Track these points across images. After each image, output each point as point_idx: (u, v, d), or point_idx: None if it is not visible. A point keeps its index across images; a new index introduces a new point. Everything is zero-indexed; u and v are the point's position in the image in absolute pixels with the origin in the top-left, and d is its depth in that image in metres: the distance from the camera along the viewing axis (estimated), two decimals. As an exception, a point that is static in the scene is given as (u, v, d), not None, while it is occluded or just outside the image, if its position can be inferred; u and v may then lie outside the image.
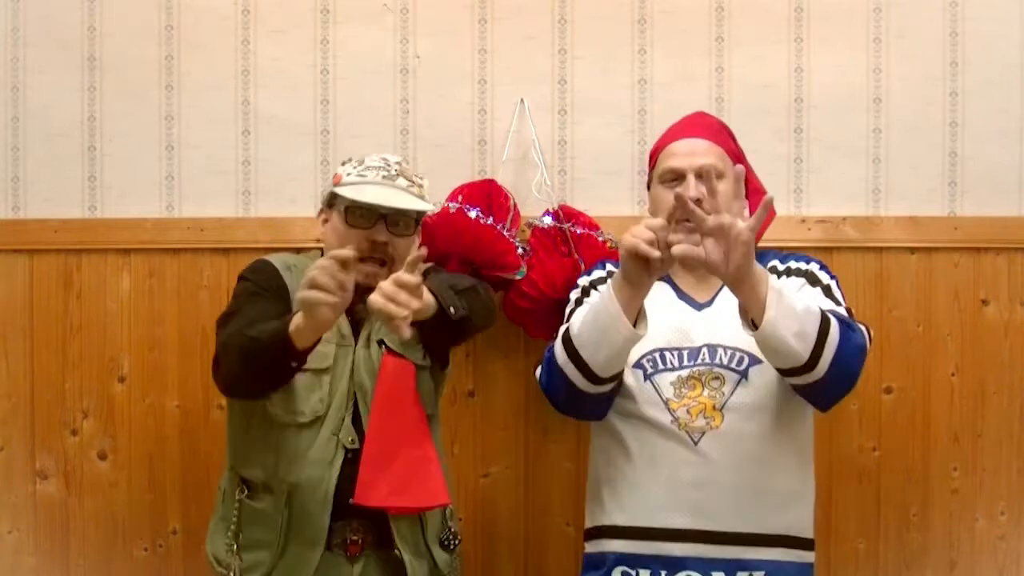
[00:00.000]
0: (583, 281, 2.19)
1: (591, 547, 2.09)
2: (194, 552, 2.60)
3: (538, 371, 2.10)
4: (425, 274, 1.96)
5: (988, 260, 2.60)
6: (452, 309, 1.92)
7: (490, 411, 2.61)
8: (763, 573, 1.96)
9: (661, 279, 2.11)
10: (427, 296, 1.85)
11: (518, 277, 2.45)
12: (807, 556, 2.04)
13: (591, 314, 1.94)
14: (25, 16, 2.62)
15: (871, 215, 2.61)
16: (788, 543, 2.00)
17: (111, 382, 2.60)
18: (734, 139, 2.14)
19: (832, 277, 2.09)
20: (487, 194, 2.47)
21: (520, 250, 2.46)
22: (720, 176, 2.01)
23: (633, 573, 2.00)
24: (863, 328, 1.97)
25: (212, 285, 2.58)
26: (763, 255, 2.11)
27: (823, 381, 1.86)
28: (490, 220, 2.42)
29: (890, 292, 2.58)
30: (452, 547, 2.11)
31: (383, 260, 2.02)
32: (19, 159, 2.63)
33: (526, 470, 2.62)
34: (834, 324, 1.85)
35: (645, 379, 2.03)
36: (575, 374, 1.95)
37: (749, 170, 2.11)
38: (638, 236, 1.81)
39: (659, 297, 2.08)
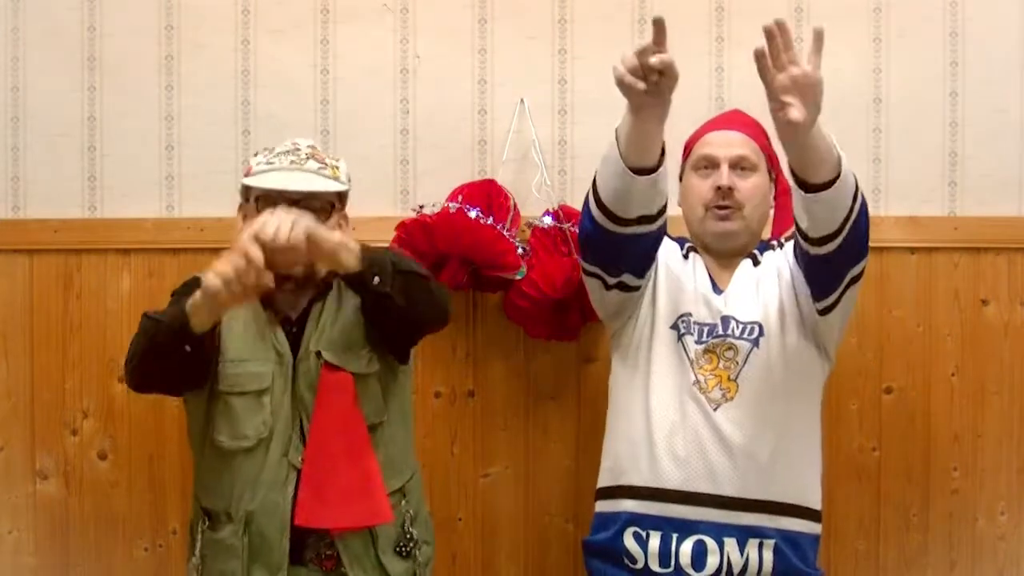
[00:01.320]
0: None
1: (602, 507, 2.10)
2: (194, 552, 2.61)
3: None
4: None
5: (988, 260, 2.60)
6: (377, 279, 1.84)
7: (490, 411, 2.61)
8: (774, 541, 1.98)
9: (697, 252, 2.16)
10: (352, 245, 1.81)
11: (518, 277, 2.44)
12: (816, 527, 2.06)
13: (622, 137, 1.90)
14: (25, 16, 2.62)
15: (871, 215, 2.59)
16: (800, 513, 2.02)
17: (111, 382, 2.60)
18: (768, 138, 2.16)
19: None
20: (487, 194, 2.47)
21: (520, 250, 2.46)
22: (753, 169, 2.10)
23: (644, 534, 2.02)
24: None
25: (212, 285, 2.58)
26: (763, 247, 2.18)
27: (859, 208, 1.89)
28: (490, 220, 2.42)
29: (890, 292, 2.58)
30: (408, 553, 2.04)
31: None
32: (19, 159, 2.63)
33: (526, 470, 2.62)
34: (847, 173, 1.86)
35: (678, 339, 2.07)
36: (598, 213, 1.97)
37: (780, 171, 2.15)
38: (623, 65, 1.74)
39: (693, 271, 2.14)
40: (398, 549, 2.03)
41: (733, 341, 2.04)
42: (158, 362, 1.90)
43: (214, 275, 1.75)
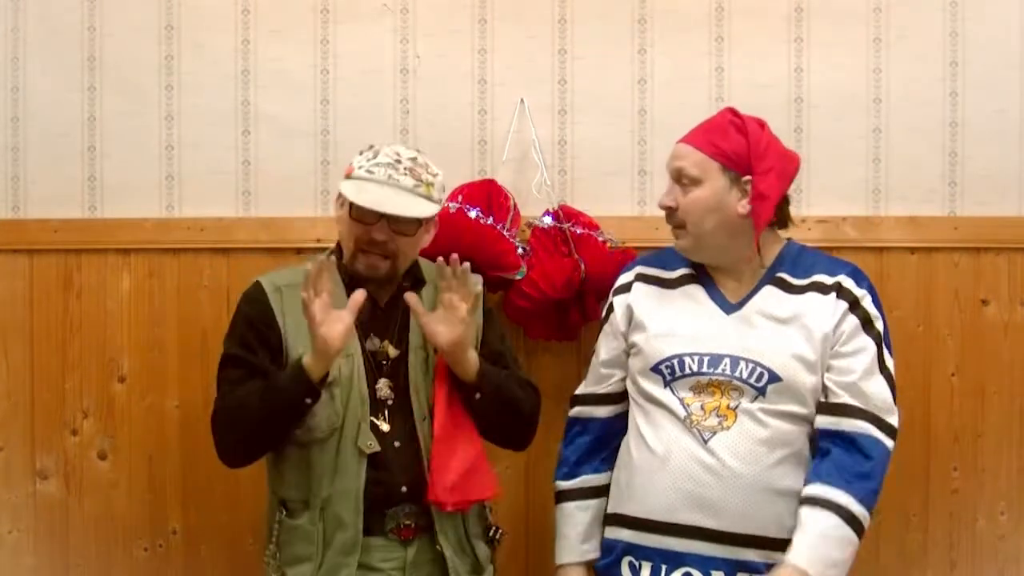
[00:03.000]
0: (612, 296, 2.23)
1: (608, 532, 2.13)
2: (194, 552, 2.61)
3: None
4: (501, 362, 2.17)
5: (988, 260, 2.60)
6: (478, 395, 2.05)
7: (490, 411, 2.61)
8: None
9: (696, 280, 2.12)
10: (473, 362, 2.04)
11: (518, 277, 2.45)
12: None
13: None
14: (25, 16, 2.62)
15: (871, 215, 2.61)
16: None
17: (111, 382, 2.60)
18: (747, 139, 2.05)
19: (881, 314, 2.10)
20: (487, 194, 2.47)
21: (520, 250, 2.46)
22: (693, 183, 2.04)
23: (637, 564, 2.04)
24: (889, 424, 2.05)
25: (212, 285, 2.58)
26: (808, 256, 2.14)
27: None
28: (490, 220, 2.42)
29: (890, 292, 2.57)
30: (495, 540, 2.17)
31: (384, 254, 2.06)
32: (19, 159, 2.62)
33: (526, 470, 2.62)
34: (862, 520, 1.98)
35: (665, 386, 2.06)
36: None
37: (759, 174, 2.03)
38: None
39: (687, 300, 2.11)
40: (488, 537, 2.16)
41: (739, 384, 2.01)
42: (279, 428, 2.00)
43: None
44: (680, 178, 2.06)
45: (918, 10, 2.60)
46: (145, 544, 2.61)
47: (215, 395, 2.09)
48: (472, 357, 2.04)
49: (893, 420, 2.06)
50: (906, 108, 2.61)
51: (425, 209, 2.05)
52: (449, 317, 2.01)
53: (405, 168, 2.05)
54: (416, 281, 2.16)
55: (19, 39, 2.62)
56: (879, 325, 2.08)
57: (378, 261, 2.06)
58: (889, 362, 2.08)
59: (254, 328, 2.07)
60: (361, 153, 2.10)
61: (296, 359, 1.98)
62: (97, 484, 2.61)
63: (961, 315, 2.60)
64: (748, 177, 2.04)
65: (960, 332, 2.60)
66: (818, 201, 2.60)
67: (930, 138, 2.61)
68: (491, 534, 2.17)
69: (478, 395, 2.05)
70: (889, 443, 2.04)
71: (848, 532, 1.95)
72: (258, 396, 1.98)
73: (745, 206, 2.03)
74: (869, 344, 2.05)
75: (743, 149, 2.05)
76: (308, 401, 1.97)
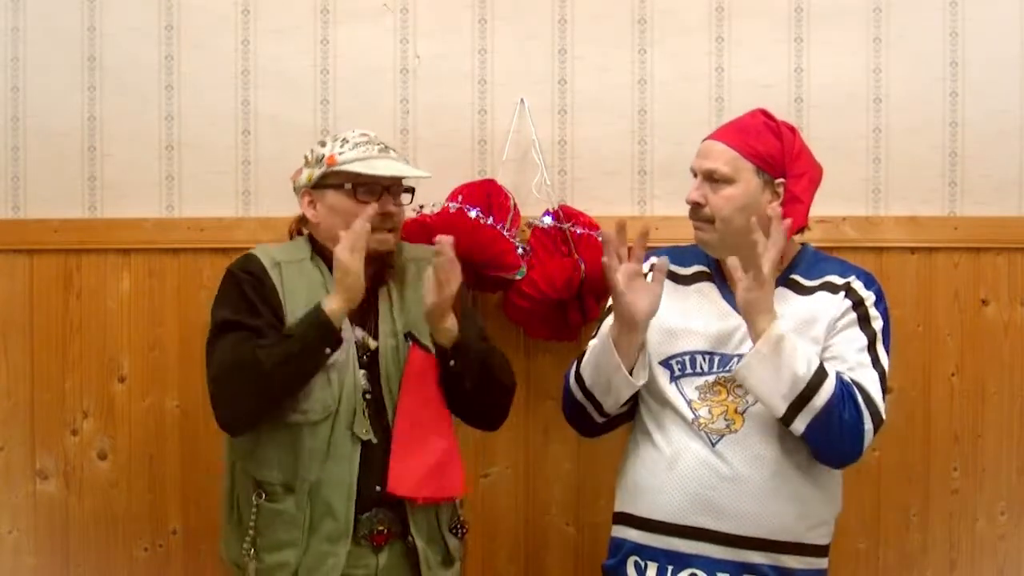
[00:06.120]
0: None
1: (614, 531, 2.13)
2: (194, 552, 2.61)
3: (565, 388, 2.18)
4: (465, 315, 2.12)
5: (988, 260, 2.60)
6: (453, 362, 2.03)
7: (490, 411, 2.61)
8: None
9: (710, 279, 2.12)
10: (452, 328, 2.02)
11: (518, 277, 2.45)
12: (819, 563, 2.04)
13: (594, 360, 2.05)
14: (25, 16, 2.62)
15: (871, 215, 2.61)
16: (802, 550, 2.01)
17: (111, 382, 2.60)
18: (781, 142, 2.05)
19: (884, 317, 2.08)
20: (487, 194, 2.48)
21: (520, 250, 2.46)
22: (727, 181, 2.02)
23: (643, 564, 2.04)
24: (876, 407, 1.95)
25: (212, 285, 2.55)
26: (823, 260, 2.13)
27: (808, 441, 1.95)
28: (490, 220, 2.42)
29: (890, 292, 2.54)
30: (461, 534, 2.14)
31: (391, 228, 2.09)
32: (19, 159, 2.63)
33: (526, 470, 2.62)
34: (822, 395, 1.90)
35: (671, 380, 2.06)
36: (593, 412, 2.08)
37: (793, 177, 2.04)
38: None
39: (701, 298, 2.10)
40: (453, 529, 2.13)
41: None
42: (297, 384, 1.97)
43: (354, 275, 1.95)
44: (711, 175, 2.03)
45: (918, 10, 2.60)
46: (145, 544, 2.61)
47: (212, 361, 2.00)
48: (451, 324, 2.02)
49: (879, 409, 1.98)
50: (906, 108, 2.61)
51: (421, 172, 2.16)
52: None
53: (380, 142, 2.11)
54: (384, 266, 2.13)
55: (19, 39, 2.62)
56: (876, 325, 2.06)
57: (387, 235, 2.08)
58: (884, 360, 2.04)
59: (258, 294, 2.03)
60: (324, 145, 2.10)
61: (312, 308, 1.95)
62: (97, 484, 2.61)
63: (961, 315, 2.60)
64: (781, 180, 2.04)
65: (960, 332, 2.60)
66: (818, 201, 2.55)
67: (930, 138, 2.61)
68: (456, 528, 2.14)
69: (452, 363, 2.03)
70: (869, 425, 1.95)
71: (824, 382, 1.91)
72: (272, 346, 1.93)
73: (775, 208, 2.01)
74: (860, 337, 2.03)
75: (777, 152, 2.05)
76: (328, 351, 1.95)
